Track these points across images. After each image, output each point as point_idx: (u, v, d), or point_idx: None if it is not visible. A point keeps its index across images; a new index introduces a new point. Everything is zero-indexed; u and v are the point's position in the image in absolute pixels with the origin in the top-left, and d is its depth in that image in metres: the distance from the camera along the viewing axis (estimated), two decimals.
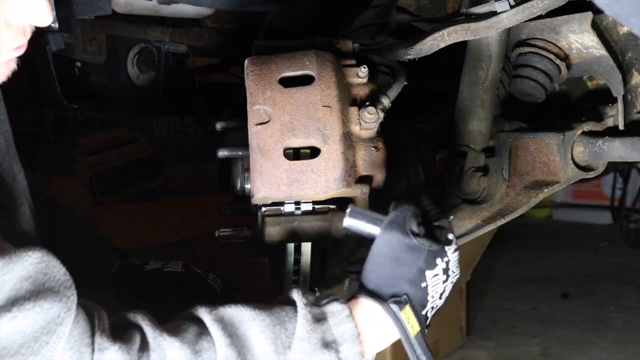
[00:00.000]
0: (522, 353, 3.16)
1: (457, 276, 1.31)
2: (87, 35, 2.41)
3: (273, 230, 1.43)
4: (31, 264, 1.09)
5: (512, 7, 1.61)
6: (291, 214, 1.43)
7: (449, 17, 1.87)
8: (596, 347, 3.18)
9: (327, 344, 1.20)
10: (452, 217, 1.83)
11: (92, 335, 1.13)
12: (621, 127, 1.70)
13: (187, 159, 4.07)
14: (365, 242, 1.32)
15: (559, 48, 1.68)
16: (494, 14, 1.63)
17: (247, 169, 1.50)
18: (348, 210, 1.31)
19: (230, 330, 1.20)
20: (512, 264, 4.28)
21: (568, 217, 5.28)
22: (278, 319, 1.22)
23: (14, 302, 1.07)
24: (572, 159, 1.71)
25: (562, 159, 1.71)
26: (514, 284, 3.98)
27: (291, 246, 1.48)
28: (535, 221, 5.22)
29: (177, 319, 1.24)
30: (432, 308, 1.28)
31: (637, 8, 0.98)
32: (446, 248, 1.28)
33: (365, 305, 1.25)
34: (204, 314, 1.22)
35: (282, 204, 1.43)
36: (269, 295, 1.82)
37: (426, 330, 1.28)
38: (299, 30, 2.30)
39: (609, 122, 1.73)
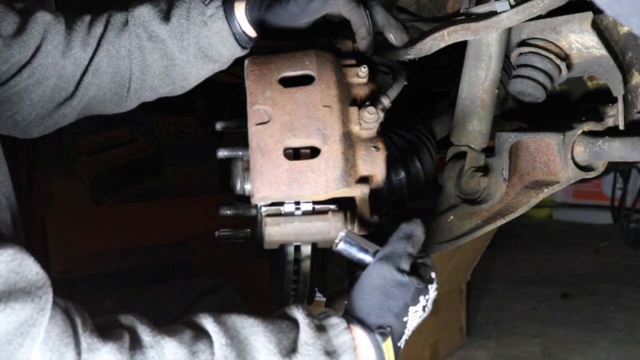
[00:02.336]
0: (522, 353, 3.16)
1: (430, 311, 1.38)
2: None
3: (273, 230, 1.42)
4: (2, 262, 1.07)
5: (512, 7, 1.61)
6: (291, 214, 1.43)
7: (449, 17, 1.88)
8: (596, 347, 3.18)
9: (329, 353, 1.24)
10: (452, 217, 1.84)
11: (75, 335, 1.11)
12: (621, 127, 1.70)
13: (187, 159, 4.08)
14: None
15: (559, 48, 1.68)
16: (494, 14, 1.63)
17: (247, 169, 1.50)
18: (342, 235, 1.37)
19: (232, 334, 1.21)
20: (512, 264, 4.28)
21: (568, 217, 5.28)
22: (280, 328, 1.25)
23: None
24: (573, 159, 1.71)
25: (563, 159, 1.71)
26: (514, 284, 3.98)
27: (291, 246, 1.48)
28: (535, 221, 5.22)
29: (175, 324, 1.24)
30: (405, 340, 1.35)
31: (637, 8, 0.98)
32: (429, 286, 1.35)
33: (353, 332, 1.30)
34: (204, 318, 1.23)
35: (282, 204, 1.43)
36: (269, 295, 1.82)
37: None
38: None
39: (609, 122, 1.73)
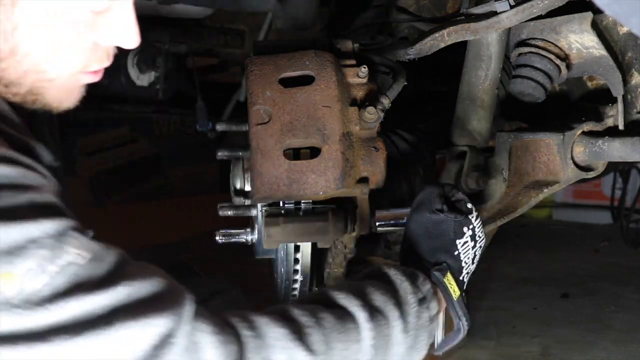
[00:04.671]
0: (522, 353, 3.15)
1: (484, 241, 1.43)
2: None
3: (273, 230, 1.43)
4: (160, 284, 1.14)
5: (512, 7, 1.61)
6: (291, 214, 1.43)
7: (449, 17, 1.88)
8: (596, 347, 3.17)
9: (421, 300, 1.29)
10: None
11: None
12: (621, 127, 1.69)
13: (187, 159, 4.08)
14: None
15: (559, 48, 1.68)
16: (494, 14, 1.63)
17: (247, 169, 1.50)
18: (376, 218, 1.48)
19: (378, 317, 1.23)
20: (512, 264, 4.27)
21: (568, 217, 5.27)
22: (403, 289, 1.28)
23: None
24: (572, 159, 1.71)
25: (562, 159, 1.71)
26: (514, 284, 3.97)
27: (291, 246, 1.48)
28: (535, 221, 5.20)
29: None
30: (467, 273, 1.40)
31: (637, 8, 0.98)
32: (469, 217, 1.40)
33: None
34: (349, 300, 1.23)
35: (282, 204, 1.43)
36: (268, 295, 1.82)
37: (464, 294, 1.39)
38: (299, 30, 2.30)
39: (609, 122, 1.73)
